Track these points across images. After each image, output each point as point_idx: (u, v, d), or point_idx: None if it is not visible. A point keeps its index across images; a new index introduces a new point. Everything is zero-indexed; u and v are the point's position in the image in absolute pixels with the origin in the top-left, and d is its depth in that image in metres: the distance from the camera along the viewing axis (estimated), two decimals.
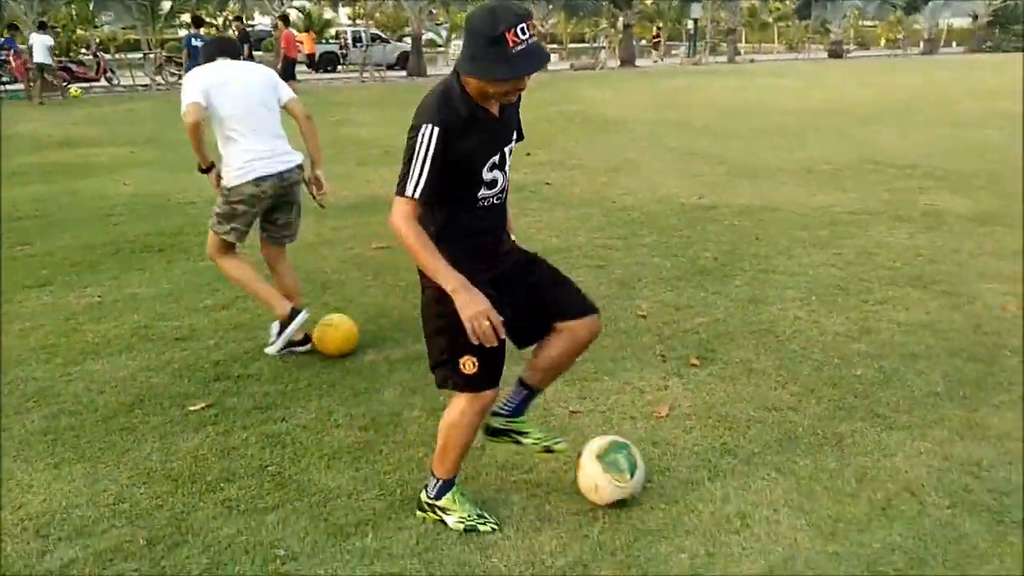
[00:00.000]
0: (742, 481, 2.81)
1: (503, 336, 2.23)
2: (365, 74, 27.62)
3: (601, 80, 25.41)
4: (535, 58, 2.10)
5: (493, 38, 2.06)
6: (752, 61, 37.98)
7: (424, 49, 31.99)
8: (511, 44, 2.06)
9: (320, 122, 14.87)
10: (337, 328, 3.96)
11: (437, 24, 44.26)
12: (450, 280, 2.19)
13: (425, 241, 2.22)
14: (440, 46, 44.43)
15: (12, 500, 2.73)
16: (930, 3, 42.70)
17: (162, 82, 25.31)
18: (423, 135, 2.17)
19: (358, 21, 41.62)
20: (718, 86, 22.03)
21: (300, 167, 3.99)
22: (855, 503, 2.68)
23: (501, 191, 2.39)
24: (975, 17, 44.63)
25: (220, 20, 35.00)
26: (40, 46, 18.88)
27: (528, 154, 10.27)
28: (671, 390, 3.53)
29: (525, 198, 7.60)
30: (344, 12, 43.57)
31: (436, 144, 2.16)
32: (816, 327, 4.22)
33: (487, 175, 2.31)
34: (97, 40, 29.76)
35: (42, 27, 20.37)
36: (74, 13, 30.37)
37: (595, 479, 2.63)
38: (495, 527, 2.55)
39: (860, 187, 7.76)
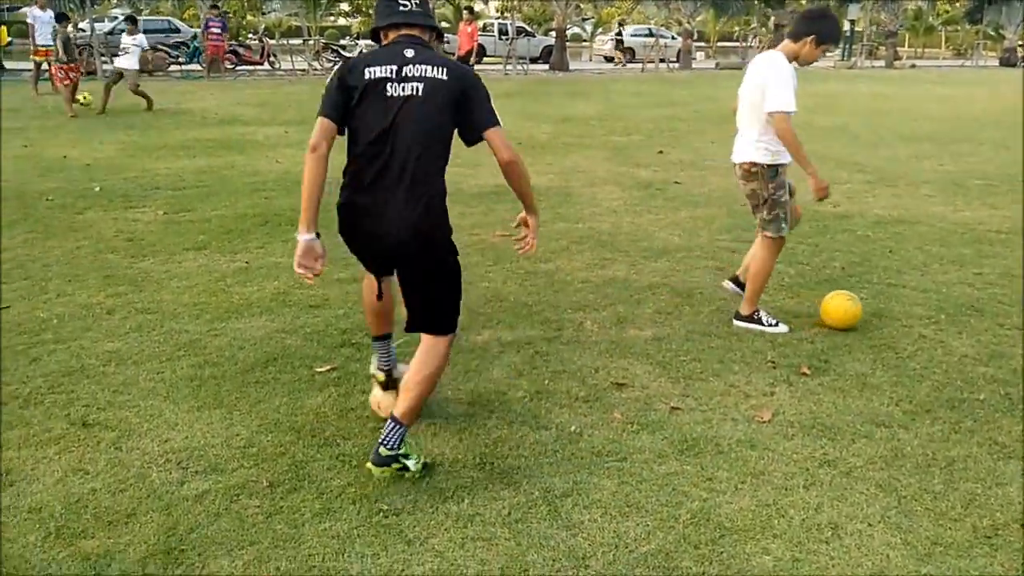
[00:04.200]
0: (839, 493, 2.79)
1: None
2: (508, 66, 28.09)
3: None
4: None
5: None
6: (913, 66, 35.80)
7: (568, 43, 32.12)
8: None
9: None
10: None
11: (583, 19, 44.26)
12: None
13: None
14: (585, 40, 44.42)
15: (159, 435, 3.08)
16: None
17: (319, 67, 26.68)
18: None
19: (505, 14, 42.27)
20: (870, 91, 20.97)
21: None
22: (957, 528, 2.61)
23: None
24: None
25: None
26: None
27: (660, 152, 10.23)
28: (777, 396, 3.51)
29: (651, 195, 7.60)
30: (493, 5, 44.34)
31: None
32: (941, 347, 4.05)
33: None
34: (263, 26, 31.70)
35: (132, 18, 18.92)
36: (244, 0, 32.49)
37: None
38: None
39: (1013, 204, 7.27)
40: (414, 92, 2.67)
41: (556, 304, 4.61)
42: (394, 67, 2.67)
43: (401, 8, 2.76)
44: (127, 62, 13.64)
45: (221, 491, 2.72)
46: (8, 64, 22.20)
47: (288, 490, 2.74)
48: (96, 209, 6.63)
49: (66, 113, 12.78)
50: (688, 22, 33.24)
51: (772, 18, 36.33)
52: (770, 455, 3.03)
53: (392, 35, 2.79)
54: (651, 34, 35.03)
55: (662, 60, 31.74)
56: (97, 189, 7.37)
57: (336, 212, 2.82)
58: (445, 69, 2.72)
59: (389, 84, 2.66)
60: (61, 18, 14.16)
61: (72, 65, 13.12)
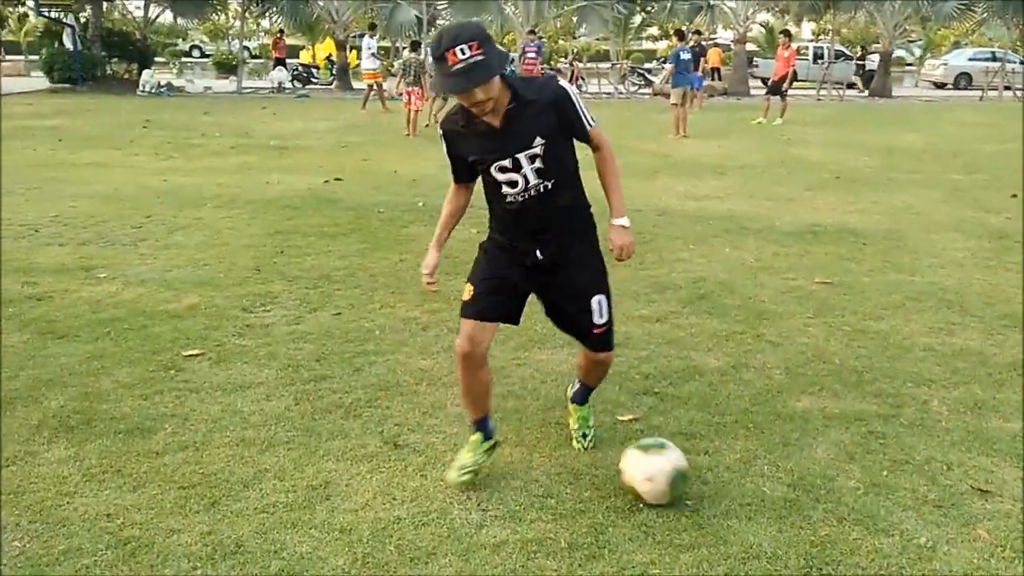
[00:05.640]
0: None
1: (430, 288, 2.95)
2: (822, 91, 26.34)
3: None
4: (469, 76, 2.43)
5: (437, 58, 2.46)
6: None
7: (892, 68, 29.39)
8: (450, 63, 2.42)
9: (770, 140, 14.49)
10: None
11: (910, 42, 40.32)
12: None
13: (442, 215, 2.95)
14: (910, 64, 40.43)
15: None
16: None
17: (623, 91, 27.06)
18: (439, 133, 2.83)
19: (821, 37, 39.81)
20: None
21: None
22: None
23: (526, 191, 2.72)
24: None
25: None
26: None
27: (1014, 195, 8.75)
28: None
29: (1007, 248, 6.45)
30: (808, 27, 42.05)
31: (443, 144, 2.80)
32: None
33: (499, 176, 2.71)
34: (574, 50, 32.90)
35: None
36: (558, 25, 34.00)
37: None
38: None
39: None
40: None
41: (892, 374, 3.97)
42: None
43: None
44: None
45: (519, 544, 2.57)
46: (356, 84, 25.22)
47: (587, 556, 2.53)
48: (418, 224, 7.08)
49: (405, 133, 13.84)
50: None
51: None
52: None
53: None
54: (994, 58, 30.93)
55: (1007, 88, 27.82)
56: (420, 204, 7.90)
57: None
58: None
59: None
60: (416, 46, 15.64)
61: (419, 90, 14.03)
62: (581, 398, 3.22)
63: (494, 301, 2.82)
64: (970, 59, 33.61)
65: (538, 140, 2.66)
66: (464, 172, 2.83)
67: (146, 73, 23.99)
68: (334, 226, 6.93)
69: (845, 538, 2.64)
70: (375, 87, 18.78)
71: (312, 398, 3.60)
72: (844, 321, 4.71)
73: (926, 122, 17.76)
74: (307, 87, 26.73)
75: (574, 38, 35.59)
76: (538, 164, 2.69)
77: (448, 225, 2.96)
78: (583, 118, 2.74)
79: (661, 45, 42.93)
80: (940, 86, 32.79)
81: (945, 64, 34.22)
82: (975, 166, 11.10)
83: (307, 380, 3.78)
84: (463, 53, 2.41)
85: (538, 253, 2.80)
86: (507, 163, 2.69)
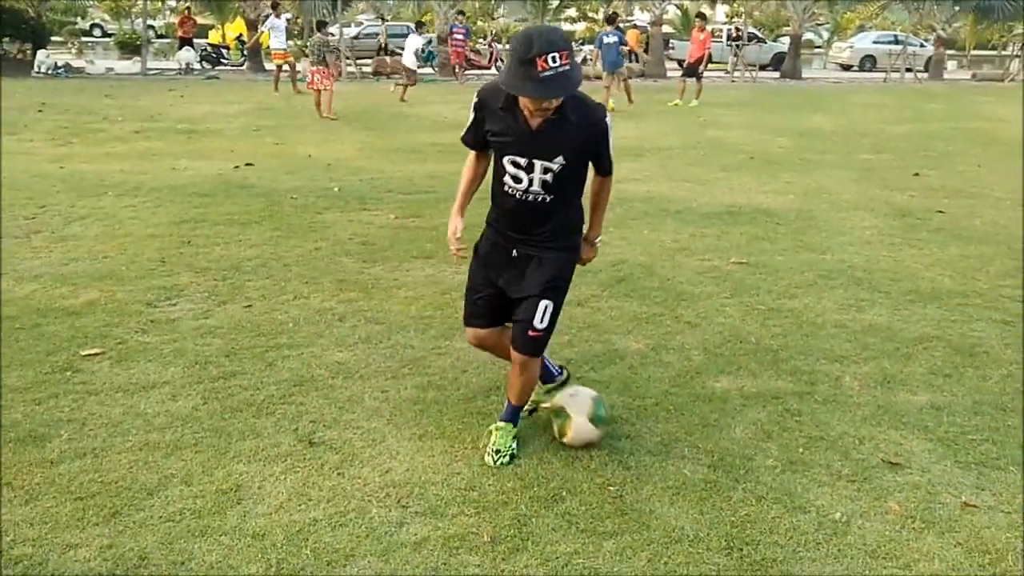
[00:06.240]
0: None
1: (459, 254, 2.94)
2: (736, 73, 26.92)
3: (1011, 95, 21.89)
4: (557, 86, 2.41)
5: (525, 60, 2.38)
6: None
7: (801, 51, 30.23)
8: (539, 68, 2.37)
9: (687, 122, 14.74)
10: None
11: (818, 25, 41.61)
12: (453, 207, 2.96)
13: (463, 182, 2.98)
14: (818, 47, 41.74)
15: (381, 464, 2.94)
16: None
17: None
18: (473, 98, 2.78)
19: (734, 19, 40.61)
20: None
21: None
22: None
23: (526, 193, 2.73)
24: None
25: (599, 15, 36.42)
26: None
27: (916, 174, 9.12)
28: None
29: (911, 226, 6.70)
30: (722, 9, 42.86)
31: (474, 107, 2.78)
32: None
33: (509, 167, 2.72)
34: (493, 31, 32.69)
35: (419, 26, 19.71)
36: (477, 6, 33.71)
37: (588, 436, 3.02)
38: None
39: None
40: None
41: (806, 351, 4.06)
42: None
43: None
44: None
45: (440, 541, 2.51)
46: (268, 65, 24.41)
47: (510, 549, 2.48)
48: (334, 210, 6.88)
49: (327, 116, 13.45)
50: (943, 29, 30.11)
51: None
52: None
53: None
54: (897, 41, 32.18)
55: (908, 70, 29.02)
56: (336, 189, 7.69)
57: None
58: None
59: None
60: (321, 25, 15.18)
61: (324, 69, 13.73)
62: (508, 415, 3.05)
63: (489, 315, 2.98)
64: (874, 42, 34.84)
65: (559, 159, 2.69)
66: (483, 141, 2.84)
67: (41, 53, 22.66)
68: (245, 213, 6.67)
69: (764, 516, 2.68)
70: (287, 68, 18.18)
71: (221, 396, 3.43)
72: (759, 300, 4.80)
73: (834, 103, 18.33)
74: (216, 68, 25.73)
75: (493, 19, 35.34)
76: (547, 177, 2.71)
77: (468, 192, 2.97)
78: (610, 157, 2.82)
79: (579, 27, 43.10)
80: (847, 68, 33.89)
81: (851, 47, 35.39)
82: (882, 146, 11.51)
83: (216, 377, 3.61)
84: (554, 61, 2.38)
85: (514, 252, 2.85)
86: (522, 161, 2.69)
